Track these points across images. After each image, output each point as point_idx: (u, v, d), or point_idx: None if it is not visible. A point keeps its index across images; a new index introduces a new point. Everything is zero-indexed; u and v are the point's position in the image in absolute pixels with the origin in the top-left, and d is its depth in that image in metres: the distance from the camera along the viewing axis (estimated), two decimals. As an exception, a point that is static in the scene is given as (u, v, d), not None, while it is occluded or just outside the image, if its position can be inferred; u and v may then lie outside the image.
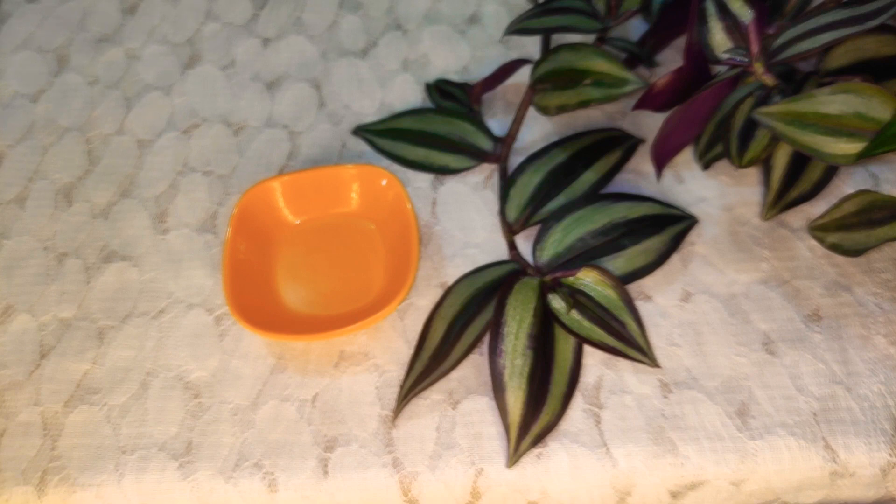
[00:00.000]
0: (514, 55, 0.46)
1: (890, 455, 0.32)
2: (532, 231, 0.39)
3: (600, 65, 0.38)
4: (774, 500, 0.33)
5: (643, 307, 0.36)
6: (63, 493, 0.33)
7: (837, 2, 0.36)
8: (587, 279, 0.35)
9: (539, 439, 0.33)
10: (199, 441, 0.34)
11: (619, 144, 0.41)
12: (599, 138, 0.41)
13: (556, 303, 0.35)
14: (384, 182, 0.38)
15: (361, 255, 0.38)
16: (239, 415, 0.34)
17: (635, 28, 0.47)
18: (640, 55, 0.42)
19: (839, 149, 0.32)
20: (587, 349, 0.35)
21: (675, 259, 0.38)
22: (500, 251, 0.39)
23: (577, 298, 0.35)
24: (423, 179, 0.41)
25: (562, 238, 0.37)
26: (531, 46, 0.47)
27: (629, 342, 0.34)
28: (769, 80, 0.36)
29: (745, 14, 0.36)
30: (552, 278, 0.36)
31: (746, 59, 0.36)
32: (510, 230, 0.39)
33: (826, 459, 0.32)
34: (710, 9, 0.37)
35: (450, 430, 0.33)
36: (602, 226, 0.38)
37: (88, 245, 0.40)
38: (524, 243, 0.39)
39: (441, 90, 0.45)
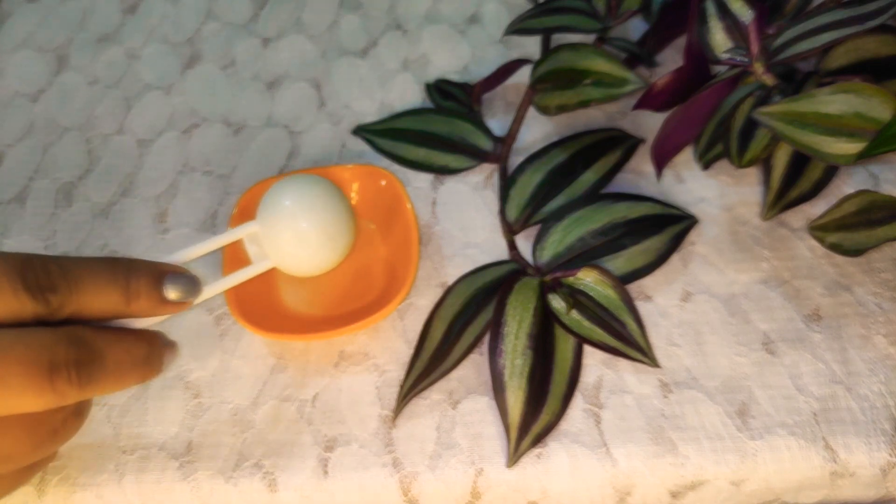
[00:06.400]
0: (514, 55, 0.46)
1: (890, 455, 0.32)
2: (532, 231, 0.39)
3: (600, 65, 0.38)
4: (774, 500, 0.33)
5: (643, 307, 0.36)
6: (63, 493, 0.33)
7: (837, 2, 0.36)
8: (587, 279, 0.35)
9: (539, 439, 0.33)
10: (199, 441, 0.34)
11: (619, 144, 0.41)
12: (599, 138, 0.42)
13: (556, 303, 0.35)
14: (384, 182, 0.38)
15: (361, 255, 0.38)
16: (239, 415, 0.34)
17: (635, 28, 0.47)
18: (640, 55, 0.42)
19: (839, 149, 0.32)
20: (587, 349, 0.35)
21: (675, 259, 0.38)
22: (500, 251, 0.39)
23: (577, 298, 0.35)
24: (423, 179, 0.42)
25: (562, 238, 0.37)
26: (531, 46, 0.47)
27: (629, 342, 0.34)
28: (769, 80, 0.36)
29: (745, 14, 0.36)
30: (552, 278, 0.36)
31: (746, 59, 0.36)
32: (510, 230, 0.39)
33: (826, 459, 0.32)
34: (710, 9, 0.37)
35: (450, 430, 0.33)
36: (602, 226, 0.38)
37: (89, 244, 0.40)
38: (524, 243, 0.39)
39: (441, 90, 0.45)
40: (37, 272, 0.25)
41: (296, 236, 0.33)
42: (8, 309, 0.25)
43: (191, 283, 0.30)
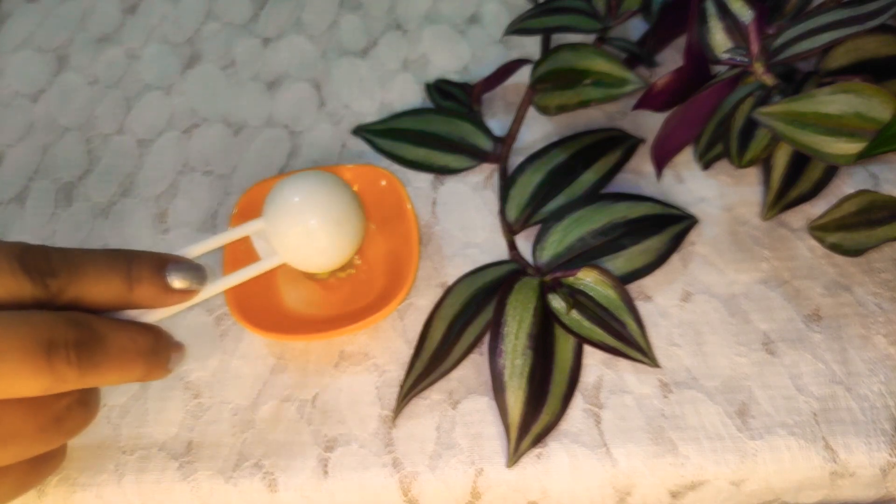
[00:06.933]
0: (514, 55, 0.46)
1: (890, 455, 0.32)
2: (532, 231, 0.39)
3: (600, 65, 0.38)
4: (774, 500, 0.33)
5: (643, 307, 0.36)
6: (63, 493, 0.33)
7: (837, 2, 0.36)
8: (587, 279, 0.35)
9: (539, 439, 0.33)
10: (199, 441, 0.34)
11: (619, 144, 0.41)
12: (599, 138, 0.42)
13: (556, 303, 0.35)
14: (384, 182, 0.38)
15: (361, 255, 0.38)
16: (239, 415, 0.34)
17: (635, 28, 0.47)
18: (640, 55, 0.42)
19: (839, 149, 0.32)
20: (587, 349, 0.35)
21: (675, 259, 0.38)
22: (500, 251, 0.39)
23: (577, 298, 0.35)
24: (423, 179, 0.41)
25: (562, 238, 0.37)
26: (531, 46, 0.47)
27: (629, 342, 0.34)
28: (769, 80, 0.36)
29: (745, 14, 0.36)
30: (552, 278, 0.36)
31: (746, 59, 0.36)
32: (510, 230, 0.39)
33: (826, 459, 0.32)
34: (710, 9, 0.37)
35: (450, 430, 0.33)
36: (602, 226, 0.38)
37: (88, 244, 0.40)
38: (524, 243, 0.39)
39: (441, 90, 0.45)
40: (36, 257, 0.25)
41: (305, 232, 0.32)
42: (7, 291, 0.24)
43: (195, 271, 0.29)
